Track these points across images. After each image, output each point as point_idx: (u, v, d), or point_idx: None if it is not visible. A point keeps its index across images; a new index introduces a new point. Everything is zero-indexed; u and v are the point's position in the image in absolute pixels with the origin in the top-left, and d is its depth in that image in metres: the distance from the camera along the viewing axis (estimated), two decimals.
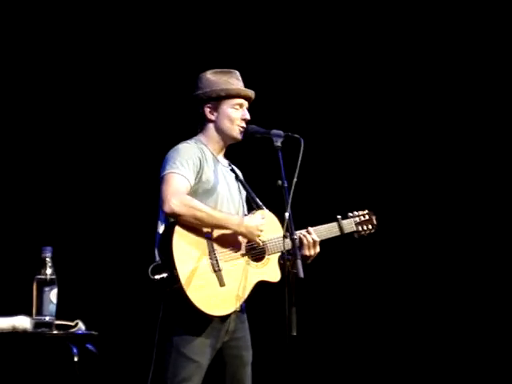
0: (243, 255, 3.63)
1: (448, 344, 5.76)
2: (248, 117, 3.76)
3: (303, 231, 3.73)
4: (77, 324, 3.40)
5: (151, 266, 3.50)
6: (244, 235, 3.59)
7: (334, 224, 3.85)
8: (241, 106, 3.76)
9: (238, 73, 3.81)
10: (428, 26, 5.85)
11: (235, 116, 3.74)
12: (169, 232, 3.52)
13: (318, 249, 3.74)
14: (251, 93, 3.80)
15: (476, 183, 5.82)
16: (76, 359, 3.25)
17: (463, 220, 5.83)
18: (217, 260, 3.55)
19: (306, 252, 3.71)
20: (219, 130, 3.75)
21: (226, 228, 3.57)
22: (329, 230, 3.82)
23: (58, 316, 3.33)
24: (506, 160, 5.84)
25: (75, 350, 3.26)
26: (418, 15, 5.86)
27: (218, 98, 3.73)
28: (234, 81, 3.77)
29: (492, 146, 5.86)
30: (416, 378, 5.75)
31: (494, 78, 5.83)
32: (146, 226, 3.86)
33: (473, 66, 5.83)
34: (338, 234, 3.86)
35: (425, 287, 5.78)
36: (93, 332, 3.44)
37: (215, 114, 3.74)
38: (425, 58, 5.88)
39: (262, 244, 3.63)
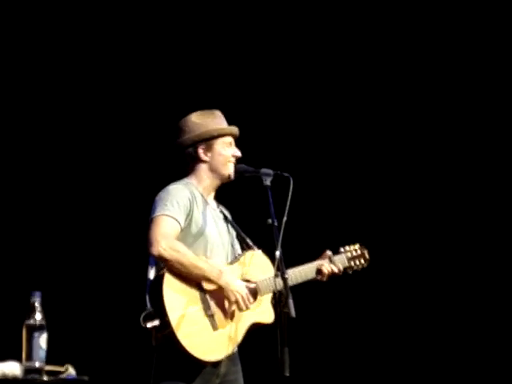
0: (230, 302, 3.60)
1: (444, 351, 5.72)
2: (239, 154, 3.79)
3: (320, 261, 3.81)
4: (67, 369, 3.37)
5: (143, 314, 3.48)
6: (223, 290, 3.56)
7: (326, 261, 3.84)
8: (230, 144, 3.79)
9: (219, 112, 3.84)
10: (424, 27, 5.84)
11: (228, 154, 3.76)
12: (159, 278, 3.51)
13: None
14: (237, 130, 3.84)
15: (471, 197, 5.80)
16: None
17: (460, 233, 5.80)
18: (208, 304, 3.53)
19: (323, 279, 3.81)
20: (213, 170, 3.76)
21: (208, 280, 3.54)
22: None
23: (48, 361, 3.30)
24: (502, 164, 5.82)
25: None
26: (412, 18, 5.86)
27: (211, 138, 3.75)
28: (219, 120, 3.81)
29: (487, 153, 5.83)
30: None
31: (493, 79, 5.82)
32: (136, 270, 3.83)
33: (471, 67, 5.82)
34: None
35: (421, 300, 5.75)
36: (84, 377, 3.40)
37: (209, 154, 3.75)
38: (415, 72, 5.89)
39: (241, 303, 3.57)
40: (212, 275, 3.54)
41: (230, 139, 3.78)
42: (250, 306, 3.57)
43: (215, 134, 3.75)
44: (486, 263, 5.77)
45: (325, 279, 3.83)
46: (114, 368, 5.37)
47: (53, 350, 3.33)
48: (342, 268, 3.86)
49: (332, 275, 3.83)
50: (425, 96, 5.89)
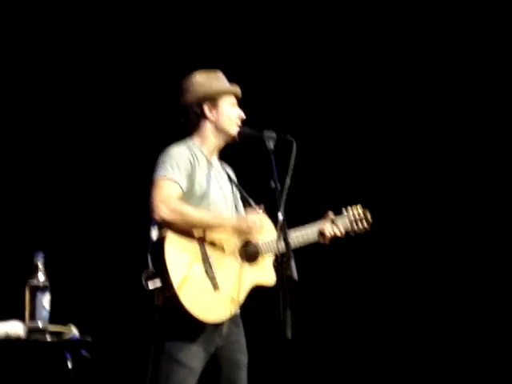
0: (237, 258, 3.60)
1: (444, 344, 5.75)
2: (244, 116, 3.76)
3: (322, 222, 3.79)
4: (70, 329, 3.39)
5: (144, 274, 3.48)
6: (239, 229, 3.58)
7: (328, 223, 3.83)
8: (235, 104, 3.77)
9: (221, 72, 3.81)
10: (419, 26, 5.85)
11: (233, 114, 3.74)
12: (161, 239, 3.50)
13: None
14: (240, 91, 3.81)
15: (472, 178, 5.80)
16: (70, 365, 3.23)
17: (459, 215, 5.81)
18: (210, 265, 3.53)
19: (327, 242, 3.79)
20: (218, 129, 3.74)
21: (220, 226, 3.55)
22: None
23: (51, 321, 3.31)
24: (503, 156, 5.81)
25: (69, 356, 3.24)
26: (410, 15, 5.86)
27: (216, 97, 3.72)
28: (222, 80, 3.78)
29: (487, 141, 5.83)
30: (412, 379, 5.75)
31: (493, 78, 5.82)
32: (139, 230, 3.84)
33: (469, 66, 5.82)
34: None
35: (422, 283, 5.75)
36: (87, 337, 3.42)
37: (214, 112, 3.72)
38: (415, 56, 5.87)
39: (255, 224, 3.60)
40: (216, 221, 3.56)
41: (234, 100, 3.76)
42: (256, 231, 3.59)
43: (221, 92, 3.72)
44: (485, 254, 5.75)
45: (327, 242, 3.82)
46: (116, 328, 5.40)
47: (56, 310, 3.35)
48: (343, 231, 3.85)
49: (334, 238, 3.83)
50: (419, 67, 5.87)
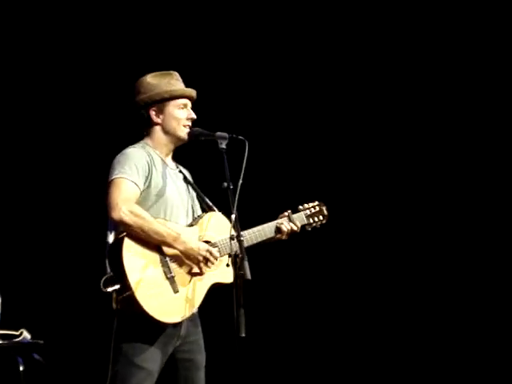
0: (196, 264, 3.59)
1: (433, 341, 5.77)
2: (194, 116, 3.75)
3: (281, 220, 3.79)
4: (21, 333, 3.36)
5: (103, 279, 3.45)
6: (185, 255, 3.56)
7: (285, 219, 3.83)
8: (185, 105, 3.76)
9: (177, 74, 3.81)
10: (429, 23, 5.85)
11: (181, 116, 3.73)
12: (118, 242, 3.48)
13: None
14: (194, 92, 3.80)
15: (468, 181, 5.82)
16: (22, 368, 3.20)
17: (458, 223, 5.81)
18: (168, 267, 3.52)
19: (284, 238, 3.79)
20: (166, 132, 3.73)
21: (169, 245, 3.53)
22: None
23: (2, 325, 3.28)
24: (497, 155, 5.83)
25: (20, 360, 3.21)
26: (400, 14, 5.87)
27: (163, 100, 3.71)
28: (174, 82, 3.76)
29: (477, 139, 5.84)
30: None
31: (489, 79, 5.84)
32: (94, 233, 3.81)
33: (472, 67, 5.82)
34: None
35: (418, 291, 5.76)
36: (38, 341, 3.39)
37: (161, 116, 3.72)
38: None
39: (209, 259, 3.58)
40: (168, 240, 3.53)
41: (183, 101, 3.74)
42: (215, 262, 3.57)
43: (166, 95, 3.71)
44: (480, 251, 5.77)
45: (284, 237, 3.82)
46: (69, 332, 5.36)
47: (7, 314, 3.31)
48: (299, 225, 3.86)
49: (291, 233, 3.84)
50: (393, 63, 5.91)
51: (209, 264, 3.56)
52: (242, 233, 3.49)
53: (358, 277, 5.81)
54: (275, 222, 3.81)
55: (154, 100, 3.70)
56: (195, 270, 3.56)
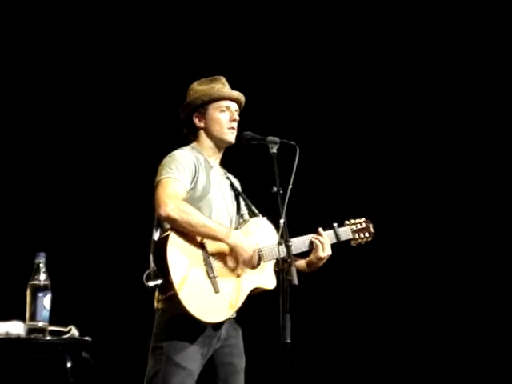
0: (238, 262, 3.61)
1: (444, 349, 5.75)
2: (236, 117, 3.77)
3: (314, 234, 3.75)
4: (70, 330, 3.39)
5: (146, 273, 3.49)
6: (233, 250, 3.57)
7: (331, 231, 3.84)
8: (228, 108, 3.77)
9: (223, 78, 3.84)
10: (427, 27, 5.84)
11: (222, 119, 3.75)
12: (163, 239, 3.51)
13: (329, 251, 3.76)
14: (236, 94, 3.81)
15: (473, 187, 5.80)
16: (69, 365, 3.24)
17: (461, 227, 5.81)
18: (211, 267, 3.54)
19: (320, 254, 3.72)
20: (210, 136, 3.77)
21: (218, 239, 3.55)
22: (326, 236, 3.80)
23: (52, 322, 3.32)
24: (504, 161, 5.81)
25: (68, 356, 3.25)
26: (416, 16, 5.86)
27: (203, 104, 3.75)
28: (217, 85, 3.79)
29: (488, 148, 5.84)
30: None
31: (493, 79, 5.82)
32: (141, 231, 3.85)
33: (472, 67, 5.81)
34: (334, 241, 3.84)
35: (422, 296, 5.75)
36: (86, 338, 3.43)
37: (203, 120, 3.76)
38: (421, 67, 5.88)
39: (249, 264, 3.58)
40: (221, 234, 3.55)
41: (225, 103, 3.77)
42: (255, 264, 3.57)
43: (205, 99, 3.75)
44: (488, 260, 5.75)
45: (313, 258, 3.75)
46: (116, 329, 5.41)
47: (57, 310, 3.35)
48: (329, 249, 3.79)
49: (321, 258, 3.75)
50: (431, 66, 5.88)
51: (249, 265, 3.55)
52: (290, 239, 3.50)
53: (402, 286, 5.78)
54: (310, 235, 3.77)
55: (195, 105, 3.76)
56: (237, 269, 3.58)
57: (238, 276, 3.59)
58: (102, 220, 5.63)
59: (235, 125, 3.76)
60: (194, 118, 3.77)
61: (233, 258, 3.59)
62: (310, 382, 5.64)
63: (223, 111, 3.76)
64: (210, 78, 3.82)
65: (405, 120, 5.88)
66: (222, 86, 3.79)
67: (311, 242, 3.75)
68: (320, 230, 3.78)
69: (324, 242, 3.75)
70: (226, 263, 3.58)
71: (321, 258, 3.74)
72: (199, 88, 3.77)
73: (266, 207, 3.76)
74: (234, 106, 3.78)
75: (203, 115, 3.75)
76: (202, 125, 3.76)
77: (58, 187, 5.58)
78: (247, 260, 3.57)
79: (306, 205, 5.24)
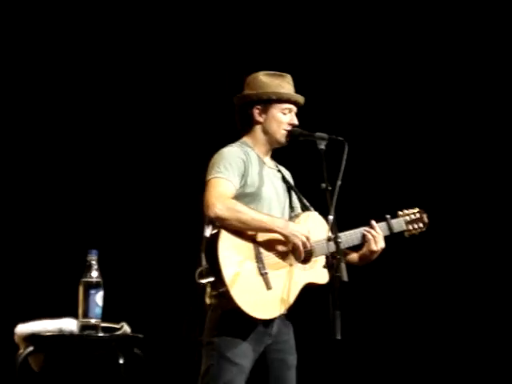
0: (290, 258, 3.61)
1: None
2: (296, 122, 3.75)
3: (366, 227, 3.71)
4: (122, 326, 3.43)
5: (198, 270, 3.51)
6: (287, 238, 3.57)
7: (383, 223, 3.79)
8: (290, 110, 3.75)
9: (290, 77, 3.80)
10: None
11: (283, 120, 3.74)
12: (214, 236, 3.52)
13: (383, 244, 3.72)
14: (301, 99, 3.79)
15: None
16: (121, 361, 3.27)
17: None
18: (263, 263, 3.54)
19: (372, 247, 3.68)
20: (266, 133, 3.75)
21: (271, 230, 3.56)
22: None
23: (104, 319, 3.36)
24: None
25: (120, 353, 3.28)
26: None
27: (269, 101, 3.72)
28: (285, 85, 3.76)
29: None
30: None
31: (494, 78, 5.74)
32: (193, 229, 3.87)
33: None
34: (387, 233, 3.78)
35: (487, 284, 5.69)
36: (139, 335, 3.46)
37: (263, 116, 3.74)
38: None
39: (304, 248, 3.58)
40: (275, 225, 3.54)
41: (289, 106, 3.74)
42: (303, 254, 3.55)
43: (273, 97, 3.72)
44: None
45: (367, 251, 3.72)
46: (168, 326, 5.44)
47: (109, 307, 3.39)
48: (382, 237, 3.74)
49: (375, 250, 3.71)
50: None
51: (302, 252, 3.54)
52: (339, 234, 3.49)
53: (457, 284, 5.72)
54: (362, 228, 3.74)
55: (260, 98, 3.72)
56: (290, 263, 3.56)
57: (291, 271, 3.58)
58: (154, 217, 5.66)
59: (291, 128, 3.75)
60: (254, 110, 3.73)
61: (285, 253, 3.58)
62: (359, 378, 5.62)
63: (285, 113, 3.74)
64: (277, 73, 3.78)
65: (455, 111, 5.82)
66: (290, 88, 3.78)
67: (363, 235, 3.72)
68: (373, 222, 3.74)
69: (376, 235, 3.72)
70: (278, 259, 3.58)
71: (373, 252, 3.71)
72: (266, 82, 3.73)
73: (316, 204, 3.75)
74: (295, 109, 3.77)
75: (265, 111, 3.73)
76: (260, 119, 3.74)
77: (112, 185, 5.62)
78: (301, 248, 3.55)
79: (358, 198, 5.22)
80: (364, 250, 3.73)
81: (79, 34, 5.61)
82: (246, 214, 3.51)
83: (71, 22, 5.60)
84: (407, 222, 3.86)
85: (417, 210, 3.90)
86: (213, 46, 5.74)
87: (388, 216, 3.82)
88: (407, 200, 4.00)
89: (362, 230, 3.73)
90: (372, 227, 3.73)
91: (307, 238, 3.57)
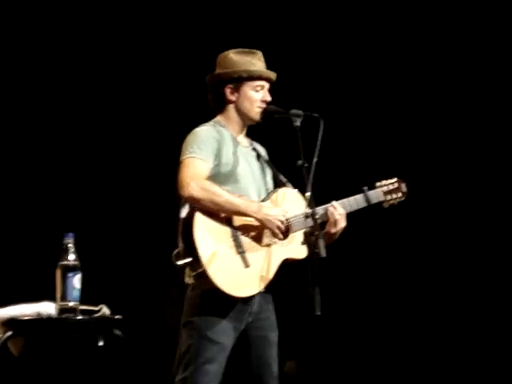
0: (267, 235, 3.60)
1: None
2: (269, 98, 3.72)
3: (327, 205, 3.65)
4: (101, 309, 3.42)
5: (174, 252, 3.50)
6: (262, 222, 3.56)
7: (360, 196, 3.75)
8: (262, 87, 3.72)
9: (260, 53, 3.77)
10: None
11: (256, 98, 3.71)
12: (190, 217, 3.51)
13: (343, 223, 3.66)
14: (273, 75, 3.76)
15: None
16: (101, 344, 3.26)
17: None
18: (240, 242, 3.54)
19: (331, 229, 3.64)
20: (239, 111, 3.73)
21: (245, 214, 3.55)
22: (354, 202, 3.71)
23: (82, 301, 3.34)
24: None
25: (100, 335, 3.28)
26: None
27: (240, 79, 3.69)
28: (256, 62, 3.73)
29: None
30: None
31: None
32: (168, 209, 3.85)
33: None
34: (365, 205, 3.74)
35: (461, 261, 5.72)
36: (117, 316, 3.45)
37: (236, 94, 3.71)
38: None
39: (279, 231, 3.57)
40: (248, 209, 3.53)
41: (261, 83, 3.72)
42: (284, 235, 3.55)
43: (244, 75, 3.69)
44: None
45: (331, 228, 3.63)
46: (146, 307, 5.44)
47: (87, 290, 3.38)
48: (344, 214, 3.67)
49: (336, 228, 3.63)
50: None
51: (277, 234, 3.53)
52: (315, 210, 3.49)
53: (437, 256, 5.75)
54: (326, 205, 3.66)
55: (231, 77, 3.69)
56: (266, 241, 3.57)
57: (268, 248, 3.58)
58: (130, 199, 5.65)
59: (264, 105, 3.73)
60: (226, 89, 3.70)
61: (262, 231, 3.58)
62: (339, 353, 5.65)
63: (257, 90, 3.71)
64: (247, 50, 3.75)
65: (431, 84, 5.83)
66: (261, 64, 3.74)
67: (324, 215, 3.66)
68: (333, 203, 3.66)
69: (335, 218, 3.62)
70: (254, 237, 3.58)
71: (333, 233, 3.64)
72: (237, 60, 3.70)
73: (293, 181, 3.74)
74: (267, 86, 3.74)
75: (237, 89, 3.70)
76: (233, 98, 3.71)
77: (86, 168, 5.60)
78: (277, 231, 3.55)
79: (332, 176, 5.22)
80: (326, 229, 3.66)
81: (77, 33, 5.60)
82: (220, 196, 3.50)
83: (66, 20, 5.57)
84: (385, 193, 3.81)
85: (395, 179, 3.85)
86: (186, 26, 5.71)
87: (365, 188, 3.77)
88: (385, 174, 3.98)
89: (322, 208, 3.65)
90: (334, 208, 3.65)
91: (282, 222, 3.55)
